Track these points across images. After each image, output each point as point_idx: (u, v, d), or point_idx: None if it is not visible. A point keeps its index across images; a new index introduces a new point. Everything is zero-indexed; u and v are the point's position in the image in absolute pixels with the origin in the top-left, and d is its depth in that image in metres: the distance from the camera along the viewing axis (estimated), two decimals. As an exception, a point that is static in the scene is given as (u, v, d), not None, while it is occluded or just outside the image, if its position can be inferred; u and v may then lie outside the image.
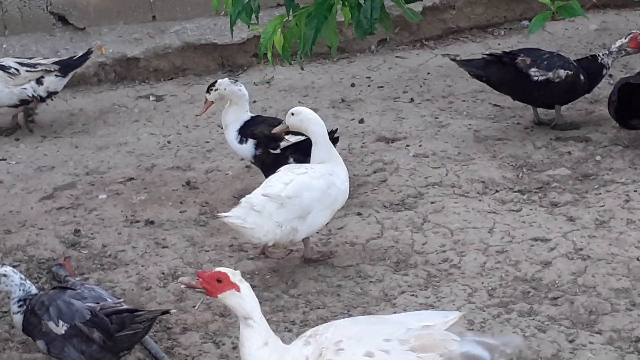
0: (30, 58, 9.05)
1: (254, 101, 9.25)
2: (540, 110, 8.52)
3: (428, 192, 7.52)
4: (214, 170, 8.10)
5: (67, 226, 7.38)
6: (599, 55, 8.33)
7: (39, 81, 8.77)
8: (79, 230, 7.32)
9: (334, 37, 5.44)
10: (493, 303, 6.24)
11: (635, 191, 7.33)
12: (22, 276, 5.77)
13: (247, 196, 6.53)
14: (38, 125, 9.16)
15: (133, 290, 6.58)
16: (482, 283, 6.45)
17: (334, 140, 7.13)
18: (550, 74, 8.14)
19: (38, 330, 5.60)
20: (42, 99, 8.86)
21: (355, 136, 8.51)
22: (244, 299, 4.79)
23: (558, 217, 7.12)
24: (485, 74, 8.28)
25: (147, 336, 5.98)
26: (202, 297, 6.47)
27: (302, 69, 9.67)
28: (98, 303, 5.53)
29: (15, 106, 8.84)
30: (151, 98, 9.64)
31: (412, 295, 6.36)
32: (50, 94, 8.90)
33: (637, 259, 6.54)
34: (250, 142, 7.43)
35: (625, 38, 8.32)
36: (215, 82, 7.62)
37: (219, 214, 6.46)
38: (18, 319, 5.71)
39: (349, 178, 6.81)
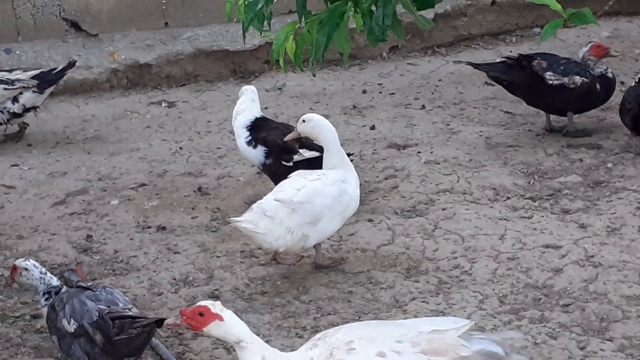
0: (10, 71, 8.98)
1: (266, 107, 9.25)
2: (552, 117, 8.52)
3: (439, 199, 7.52)
4: (225, 177, 8.12)
5: (79, 232, 7.40)
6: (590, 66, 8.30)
7: (15, 99, 8.75)
8: (91, 235, 7.33)
9: (346, 44, 5.44)
10: (504, 310, 6.24)
11: (647, 198, 7.33)
12: (43, 270, 5.86)
13: (259, 201, 6.54)
14: (50, 131, 9.18)
15: (145, 295, 6.59)
16: (493, 290, 6.44)
17: None
18: (565, 79, 8.14)
19: (54, 325, 5.69)
20: (17, 115, 8.82)
21: (367, 143, 8.52)
22: (229, 326, 4.81)
23: (569, 224, 7.11)
24: (508, 78, 8.28)
25: (158, 342, 6.00)
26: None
27: (314, 76, 9.69)
28: (109, 307, 5.56)
29: None
30: (163, 104, 9.66)
31: (423, 301, 6.36)
32: (28, 109, 8.84)
33: (649, 266, 6.54)
34: (261, 149, 7.42)
35: (586, 47, 8.37)
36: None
37: (231, 219, 6.47)
38: (44, 312, 5.83)
39: (360, 185, 6.82)
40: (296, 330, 6.15)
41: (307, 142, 7.39)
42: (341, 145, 6.95)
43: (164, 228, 7.40)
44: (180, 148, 8.70)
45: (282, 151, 7.36)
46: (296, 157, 7.35)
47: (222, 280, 6.71)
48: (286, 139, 6.99)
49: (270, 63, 9.81)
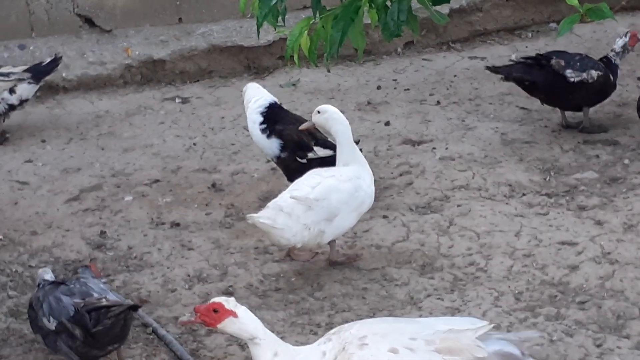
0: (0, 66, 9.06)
1: (280, 103, 9.22)
2: (567, 113, 8.48)
3: (454, 195, 7.49)
4: (239, 173, 8.10)
5: (92, 228, 7.39)
6: (610, 56, 8.33)
7: (12, 90, 8.78)
8: (105, 232, 7.33)
9: (361, 40, 5.41)
10: (520, 307, 6.21)
11: (664, 195, 7.29)
12: (48, 278, 5.89)
13: (274, 199, 6.52)
14: (64, 127, 9.18)
15: (158, 292, 6.58)
16: (509, 287, 6.41)
17: None
18: (584, 75, 8.12)
19: (35, 324, 5.75)
20: (13, 108, 8.85)
21: (381, 139, 8.49)
22: (243, 322, 4.85)
23: (586, 220, 7.07)
24: (530, 78, 8.22)
25: (172, 338, 5.99)
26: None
27: (329, 71, 9.67)
28: (84, 299, 5.59)
29: None
30: (177, 100, 9.65)
31: (438, 298, 6.33)
32: (22, 102, 8.89)
33: (666, 264, 6.50)
34: (276, 141, 7.39)
35: (625, 36, 8.35)
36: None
37: (249, 215, 6.44)
38: None
39: (375, 181, 6.79)
40: (310, 327, 6.13)
41: (321, 141, 7.36)
42: (356, 142, 6.94)
43: (177, 224, 7.39)
44: (194, 144, 8.68)
45: (297, 147, 7.33)
46: (310, 155, 7.32)
47: (236, 276, 6.69)
48: (301, 127, 6.98)
49: (284, 59, 9.77)
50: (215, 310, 4.83)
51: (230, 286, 6.58)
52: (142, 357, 5.95)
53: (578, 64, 8.18)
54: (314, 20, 5.42)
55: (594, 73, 8.16)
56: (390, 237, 7.03)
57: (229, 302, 4.86)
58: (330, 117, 6.66)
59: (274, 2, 5.35)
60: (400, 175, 7.84)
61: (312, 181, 6.54)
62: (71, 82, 9.81)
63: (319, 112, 6.72)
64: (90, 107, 9.58)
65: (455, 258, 6.75)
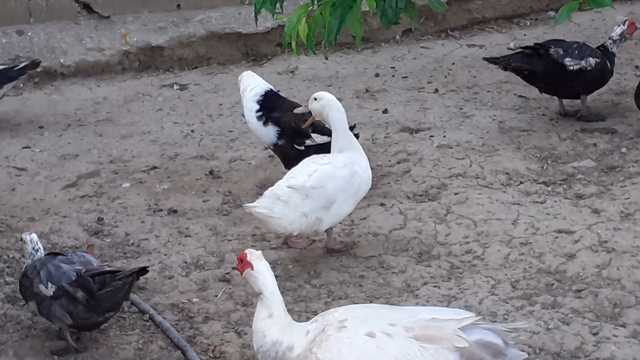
0: None
1: (278, 90, 9.19)
2: (565, 101, 8.48)
3: (452, 183, 7.49)
4: (237, 160, 8.09)
5: (90, 214, 7.39)
6: (607, 44, 8.34)
7: None
8: (102, 218, 7.33)
9: (359, 27, 5.40)
10: (516, 295, 6.22)
11: (661, 184, 7.29)
12: (38, 247, 6.02)
13: (271, 188, 6.52)
14: (62, 113, 9.17)
15: (155, 279, 6.59)
16: (506, 275, 6.42)
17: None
18: (582, 63, 8.13)
19: (30, 292, 5.87)
20: None
21: (379, 126, 8.48)
22: (256, 276, 5.16)
23: (583, 209, 7.07)
24: (530, 67, 8.21)
25: (169, 325, 6.00)
26: (224, 286, 6.48)
27: (327, 59, 9.65)
28: (85, 267, 5.76)
29: None
30: (175, 87, 9.63)
31: (435, 286, 6.34)
32: None
33: (663, 252, 6.50)
34: (273, 129, 7.38)
35: (624, 24, 8.35)
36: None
37: (245, 205, 6.44)
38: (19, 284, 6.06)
39: (372, 169, 6.79)
40: (307, 314, 6.14)
41: (319, 127, 7.37)
42: (351, 127, 6.94)
43: (175, 211, 7.39)
44: (192, 131, 8.68)
45: (294, 134, 7.33)
46: (308, 142, 7.32)
47: (233, 263, 6.68)
48: (295, 111, 6.99)
49: (282, 46, 9.76)
50: (241, 260, 5.23)
51: (228, 273, 6.58)
52: (138, 343, 5.95)
53: (576, 52, 8.18)
54: (312, 7, 5.42)
55: (592, 60, 8.16)
56: (388, 224, 7.03)
57: (252, 254, 5.21)
58: (327, 104, 6.66)
59: (272, -11, 5.35)
60: (398, 163, 7.84)
61: (309, 169, 6.53)
62: (69, 68, 9.79)
63: (315, 99, 6.72)
64: (88, 93, 9.56)
65: (452, 246, 6.76)
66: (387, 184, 7.54)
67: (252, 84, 7.54)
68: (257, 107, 7.44)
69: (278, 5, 5.44)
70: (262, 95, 7.48)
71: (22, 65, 9.00)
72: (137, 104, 9.32)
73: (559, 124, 8.35)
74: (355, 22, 5.32)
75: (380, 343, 4.77)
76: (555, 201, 7.20)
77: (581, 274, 6.38)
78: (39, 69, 9.37)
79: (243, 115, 7.97)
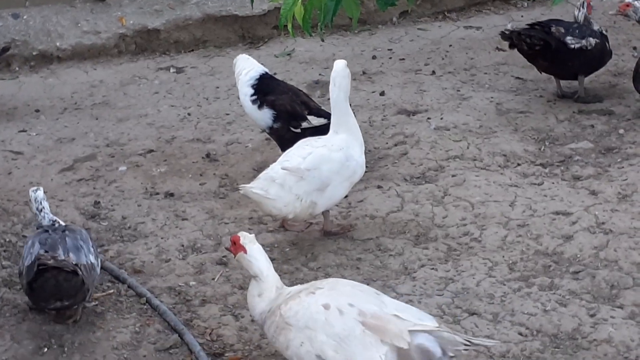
0: None
1: (275, 73, 9.17)
2: (563, 83, 8.46)
3: (449, 165, 7.48)
4: (233, 143, 8.08)
5: (87, 198, 7.38)
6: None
7: None
8: (99, 202, 7.32)
9: (355, 9, 5.39)
10: (514, 277, 6.21)
11: (659, 165, 7.28)
12: (42, 206, 6.06)
13: (266, 170, 6.51)
14: (58, 97, 9.15)
15: (152, 262, 6.58)
16: (503, 257, 6.41)
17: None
18: (583, 42, 8.13)
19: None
20: None
21: (376, 109, 8.46)
22: (250, 260, 5.32)
23: (580, 190, 7.07)
24: (546, 39, 8.15)
25: (166, 308, 6.00)
26: (222, 269, 6.47)
27: (323, 41, 9.62)
28: (47, 252, 5.73)
29: None
30: (171, 70, 9.61)
31: (432, 268, 6.34)
32: None
33: (660, 234, 6.50)
34: (268, 112, 7.36)
35: (583, 7, 8.38)
36: None
37: (241, 186, 6.44)
38: None
39: (369, 151, 6.78)
40: (304, 297, 6.12)
41: (315, 109, 7.36)
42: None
43: (172, 194, 7.38)
44: (189, 114, 8.66)
45: (290, 117, 7.31)
46: (304, 124, 7.30)
47: (226, 244, 6.68)
48: None
49: (279, 28, 9.74)
50: (234, 243, 5.36)
51: (224, 256, 6.58)
52: (135, 327, 5.95)
53: (577, 31, 8.18)
54: (307, -11, 5.40)
55: (592, 40, 8.16)
56: (385, 207, 7.02)
57: (245, 238, 5.35)
58: (333, 74, 6.54)
59: (267, -30, 5.32)
60: (395, 145, 7.82)
61: (303, 151, 6.51)
62: (65, 51, 9.76)
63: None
64: (85, 76, 9.54)
65: (450, 228, 6.75)
66: (384, 167, 7.53)
67: (247, 67, 7.51)
68: (252, 91, 7.42)
69: (274, -13, 5.42)
70: (256, 79, 7.45)
71: None
72: (133, 87, 9.30)
73: (557, 106, 8.34)
74: (352, 3, 5.30)
75: (330, 316, 4.99)
76: (553, 183, 7.19)
77: (578, 256, 6.38)
78: (35, 52, 9.33)
79: (239, 99, 7.95)
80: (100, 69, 9.67)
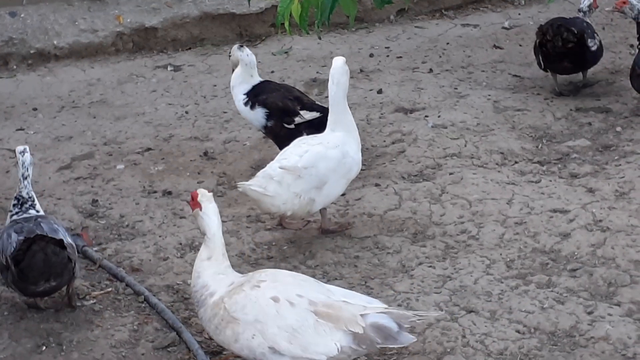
0: None
1: (272, 71, 9.21)
2: (559, 79, 8.50)
3: (446, 163, 7.49)
4: (231, 141, 8.08)
5: (84, 196, 7.38)
6: (581, 17, 8.39)
7: None
8: (97, 200, 7.32)
9: (352, 6, 5.39)
10: (511, 274, 6.22)
11: (656, 162, 7.29)
12: (28, 174, 6.15)
13: (263, 169, 6.52)
14: (56, 95, 9.14)
15: (150, 260, 6.58)
16: (501, 254, 6.42)
17: None
18: (595, 41, 8.29)
19: None
20: None
21: (374, 107, 8.47)
22: (202, 217, 5.42)
23: (577, 188, 7.07)
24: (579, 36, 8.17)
25: (164, 306, 6.00)
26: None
27: (320, 39, 9.62)
28: (29, 235, 5.74)
29: None
30: (169, 68, 9.61)
31: (430, 266, 6.34)
32: None
33: (657, 231, 6.51)
34: (261, 111, 7.39)
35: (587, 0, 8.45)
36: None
37: (239, 183, 6.44)
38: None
39: (367, 149, 6.78)
40: (302, 295, 6.13)
41: (308, 104, 7.38)
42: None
43: (169, 193, 7.38)
44: (186, 112, 8.66)
45: (283, 113, 7.34)
46: (297, 119, 7.32)
47: (228, 245, 6.65)
48: None
49: (276, 26, 9.74)
50: (193, 199, 5.46)
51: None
52: (134, 325, 5.95)
53: (589, 30, 8.26)
54: (305, -13, 5.40)
55: (597, 38, 8.27)
56: (383, 205, 7.02)
57: (202, 195, 5.44)
58: (331, 71, 6.56)
59: (264, -32, 5.33)
60: (393, 143, 7.83)
61: (300, 150, 6.52)
62: (63, 49, 9.76)
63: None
64: (82, 75, 9.54)
65: (447, 226, 6.76)
66: (381, 165, 7.53)
67: (244, 81, 7.53)
68: (245, 97, 7.46)
69: (271, -15, 5.43)
70: (251, 86, 7.49)
71: None
72: (131, 85, 9.30)
73: (554, 103, 8.34)
74: (349, 1, 5.31)
75: (281, 309, 5.05)
76: (550, 180, 7.19)
77: (576, 253, 6.38)
78: (32, 51, 9.33)
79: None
80: (98, 67, 9.67)
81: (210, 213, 5.42)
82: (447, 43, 9.74)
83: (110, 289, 6.28)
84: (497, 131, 7.90)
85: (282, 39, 9.96)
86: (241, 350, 5.15)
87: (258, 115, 7.40)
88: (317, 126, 6.95)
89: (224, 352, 5.67)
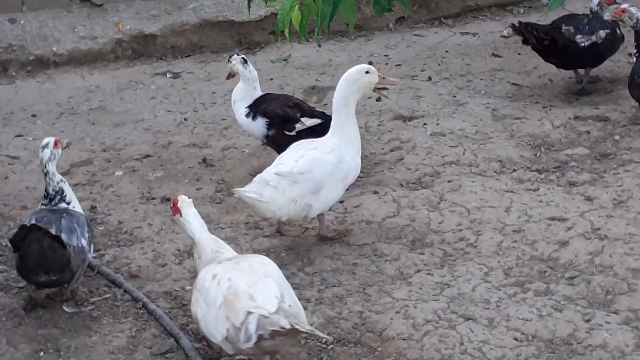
0: None
1: (271, 79, 9.22)
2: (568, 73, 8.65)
3: (445, 171, 7.49)
4: (230, 148, 8.09)
5: (83, 202, 7.36)
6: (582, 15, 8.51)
7: None
8: (95, 206, 7.32)
9: (352, 14, 5.40)
10: (509, 282, 6.22)
11: (654, 171, 7.30)
12: (47, 170, 6.22)
13: (260, 174, 6.52)
14: (55, 102, 9.15)
15: (149, 267, 6.58)
16: (499, 262, 6.42)
17: None
18: (593, 37, 8.34)
19: None
20: None
21: (372, 114, 8.48)
22: (184, 223, 5.66)
23: (576, 196, 7.08)
24: (553, 36, 8.31)
25: (162, 313, 6.00)
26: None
27: (319, 46, 9.63)
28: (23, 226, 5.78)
29: None
30: (168, 75, 9.62)
31: (428, 274, 6.34)
32: None
33: (655, 239, 6.51)
34: (261, 121, 7.41)
35: None
36: (233, 55, 7.66)
37: (235, 189, 6.46)
38: None
39: (366, 156, 6.78)
40: (301, 302, 6.12)
41: (308, 111, 7.40)
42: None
43: (168, 199, 7.38)
44: (185, 119, 8.67)
45: (283, 121, 7.35)
46: (298, 126, 7.33)
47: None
48: None
49: (275, 34, 9.75)
50: (174, 205, 5.66)
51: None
52: (131, 331, 5.95)
53: (587, 27, 8.30)
54: (304, -6, 5.42)
55: (602, 33, 8.39)
56: (381, 212, 7.03)
57: (182, 202, 5.66)
58: (344, 80, 6.59)
59: (264, -24, 5.35)
60: (391, 150, 7.84)
61: (296, 155, 6.52)
62: (62, 56, 9.77)
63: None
64: (81, 81, 9.55)
65: (446, 234, 6.76)
66: (380, 172, 7.54)
67: (245, 97, 7.56)
68: (247, 110, 7.48)
69: (271, -8, 5.44)
70: (253, 100, 7.52)
71: None
72: (130, 92, 9.31)
73: (552, 112, 8.36)
74: (349, 9, 5.32)
75: (211, 286, 5.29)
76: (548, 188, 7.20)
77: (574, 261, 6.39)
78: (31, 57, 9.33)
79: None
80: (97, 74, 9.68)
81: (190, 218, 5.64)
82: (446, 51, 9.76)
83: (108, 295, 6.28)
84: (496, 139, 7.91)
85: (281, 47, 9.97)
86: (192, 314, 5.47)
87: (259, 126, 7.42)
88: (319, 133, 6.96)
89: (222, 359, 5.68)
